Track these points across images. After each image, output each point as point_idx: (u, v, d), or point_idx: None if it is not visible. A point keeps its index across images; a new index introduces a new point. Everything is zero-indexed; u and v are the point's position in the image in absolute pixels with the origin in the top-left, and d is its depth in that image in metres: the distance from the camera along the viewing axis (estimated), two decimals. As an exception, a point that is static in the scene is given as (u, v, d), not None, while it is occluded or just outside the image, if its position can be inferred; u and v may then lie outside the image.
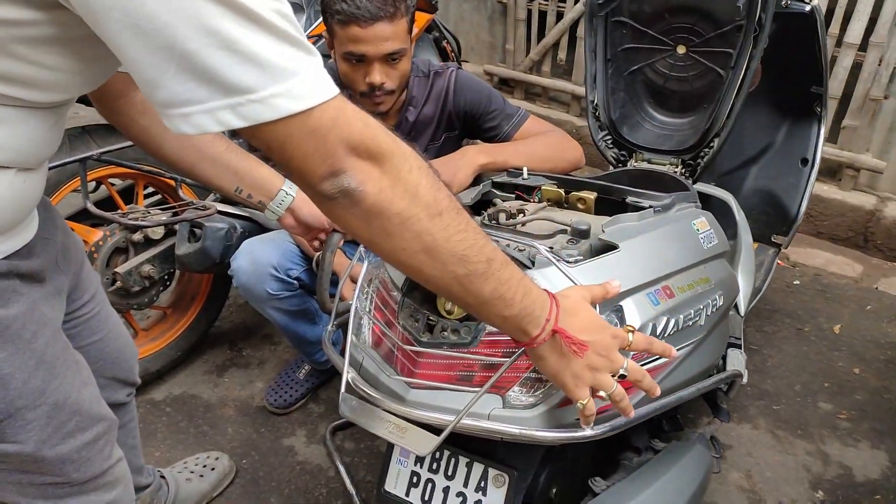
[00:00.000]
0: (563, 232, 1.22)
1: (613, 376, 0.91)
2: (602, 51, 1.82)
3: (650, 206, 1.31)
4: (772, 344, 2.32)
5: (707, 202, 1.94)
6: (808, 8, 1.79)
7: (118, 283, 1.83)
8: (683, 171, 1.79)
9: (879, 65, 2.80)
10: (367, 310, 1.20)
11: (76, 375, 0.94)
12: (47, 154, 0.84)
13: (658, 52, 1.82)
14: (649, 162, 1.84)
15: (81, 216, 1.88)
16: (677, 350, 1.17)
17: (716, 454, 1.49)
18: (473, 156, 1.52)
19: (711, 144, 1.70)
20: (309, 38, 2.08)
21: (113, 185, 2.01)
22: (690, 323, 1.19)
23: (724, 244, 1.44)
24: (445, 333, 1.07)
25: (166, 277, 1.93)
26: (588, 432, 1.01)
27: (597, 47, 1.82)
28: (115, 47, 0.62)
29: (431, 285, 0.80)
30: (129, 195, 2.10)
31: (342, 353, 1.15)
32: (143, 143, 1.15)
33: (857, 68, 2.87)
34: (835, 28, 2.88)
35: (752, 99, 2.03)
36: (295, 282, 1.68)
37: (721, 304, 1.29)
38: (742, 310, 1.75)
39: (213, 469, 1.76)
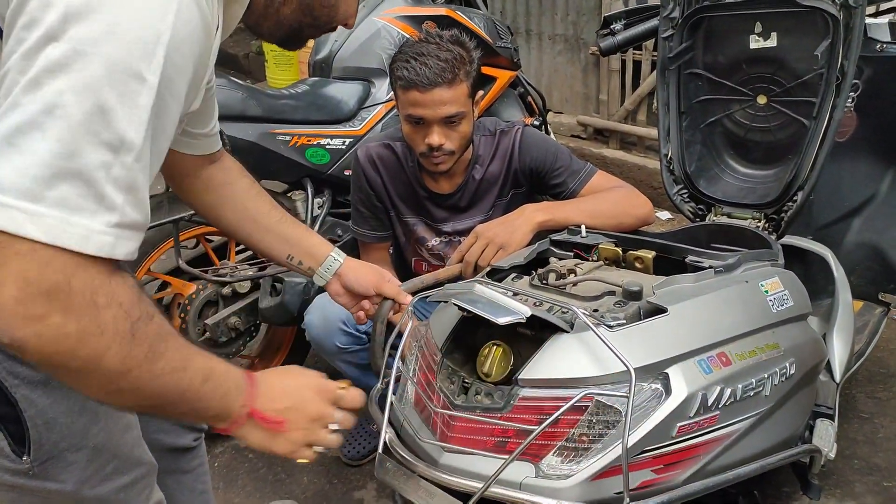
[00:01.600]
0: (612, 294, 1.18)
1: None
2: (675, 103, 1.78)
3: (710, 267, 1.24)
4: (885, 413, 2.09)
5: (804, 258, 1.82)
6: (905, 51, 1.67)
7: (207, 334, 1.96)
8: (767, 225, 1.69)
9: None
10: (413, 371, 1.21)
11: (118, 421, 0.99)
12: None
13: (737, 103, 1.75)
14: (729, 216, 1.75)
15: (178, 272, 2.04)
16: (736, 423, 1.10)
17: (801, 537, 1.35)
18: (531, 214, 1.52)
19: (795, 198, 1.59)
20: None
21: (209, 241, 2.17)
22: (752, 393, 1.11)
23: (802, 306, 1.34)
24: (479, 397, 1.06)
25: (252, 329, 2.05)
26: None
27: (669, 100, 1.78)
28: None
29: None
30: (224, 251, 2.26)
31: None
32: (206, 216, 1.25)
33: None
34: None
35: (850, 147, 1.90)
36: (364, 336, 1.72)
37: (793, 372, 1.19)
38: (837, 376, 1.60)
39: (285, 517, 1.80)
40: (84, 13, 0.63)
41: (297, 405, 0.89)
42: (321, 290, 1.91)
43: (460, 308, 1.09)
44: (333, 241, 2.14)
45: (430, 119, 1.51)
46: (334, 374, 2.41)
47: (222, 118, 1.90)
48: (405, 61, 1.49)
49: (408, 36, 2.20)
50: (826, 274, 1.74)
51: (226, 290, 1.99)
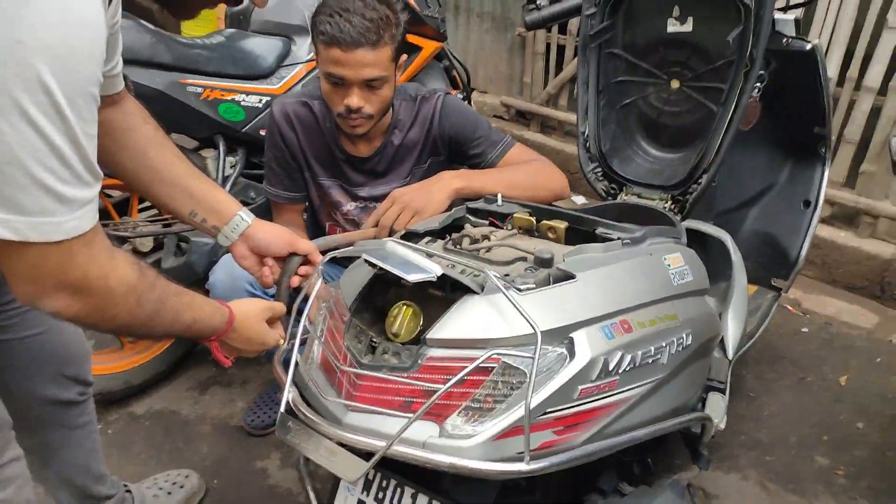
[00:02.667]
0: (524, 260, 1.19)
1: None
2: (594, 82, 1.81)
3: (618, 238, 1.27)
4: (771, 392, 2.23)
5: (703, 241, 1.90)
6: (808, 47, 1.76)
7: (104, 293, 1.85)
8: (673, 206, 1.75)
9: (899, 110, 2.73)
10: (320, 331, 1.18)
11: None
12: None
13: (651, 86, 1.80)
14: (639, 196, 1.80)
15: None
16: (634, 388, 1.13)
17: (689, 503, 1.42)
18: (448, 181, 1.51)
19: (700, 180, 1.66)
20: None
21: (109, 196, 2.04)
22: (650, 360, 1.14)
23: (701, 282, 1.40)
24: (386, 357, 1.04)
25: (153, 290, 1.94)
26: (524, 467, 0.96)
27: (589, 78, 1.81)
28: None
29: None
30: (125, 207, 2.14)
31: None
32: (104, 164, 1.16)
33: (875, 113, 2.80)
34: (853, 71, 2.82)
35: (753, 137, 1.99)
36: (271, 298, 1.67)
37: (689, 343, 1.24)
38: (730, 353, 1.68)
39: (181, 487, 1.74)
40: None
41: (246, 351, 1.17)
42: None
43: (371, 264, 1.06)
44: (246, 204, 2.08)
45: (351, 80, 1.47)
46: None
47: (127, 62, 1.77)
48: (329, 15, 1.42)
49: None
50: (724, 258, 1.82)
51: (125, 248, 1.88)
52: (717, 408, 1.51)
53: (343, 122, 1.55)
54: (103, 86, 1.08)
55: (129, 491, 1.63)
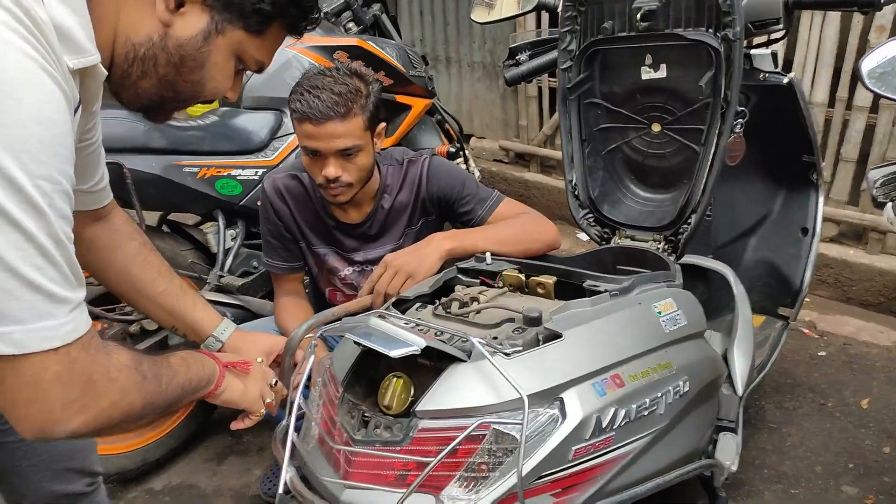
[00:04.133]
0: (512, 321, 1.20)
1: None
2: (577, 131, 1.84)
3: (606, 291, 1.28)
4: (792, 421, 2.19)
5: (706, 277, 1.90)
6: (785, 80, 1.78)
7: (114, 375, 1.88)
8: (666, 247, 1.75)
9: (893, 126, 2.73)
10: (316, 405, 1.19)
11: None
12: None
13: (633, 131, 1.82)
14: (632, 239, 1.81)
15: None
16: (632, 442, 1.13)
17: (706, 548, 1.40)
18: (439, 242, 1.53)
19: (689, 220, 1.66)
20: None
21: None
22: (646, 412, 1.14)
23: (696, 324, 1.40)
24: (379, 431, 1.06)
25: (163, 367, 1.97)
26: (526, 534, 0.96)
27: (572, 128, 1.84)
28: None
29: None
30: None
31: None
32: (92, 274, 1.21)
33: (870, 130, 2.80)
34: (843, 92, 2.83)
35: (744, 171, 2.00)
36: (275, 373, 1.69)
37: (687, 389, 1.24)
38: (739, 389, 1.67)
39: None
40: None
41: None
42: (234, 323, 1.90)
43: (355, 342, 1.08)
44: (248, 273, 2.12)
45: (325, 151, 1.52)
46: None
47: (124, 150, 1.87)
48: (300, 94, 1.49)
49: (319, 66, 2.21)
50: (727, 291, 1.82)
51: (133, 328, 1.92)
52: (728, 449, 1.49)
53: (325, 192, 1.59)
54: (90, 200, 1.13)
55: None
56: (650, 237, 1.79)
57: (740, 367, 1.69)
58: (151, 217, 2.13)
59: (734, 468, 1.49)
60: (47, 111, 0.72)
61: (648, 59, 1.68)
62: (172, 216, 2.27)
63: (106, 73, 0.87)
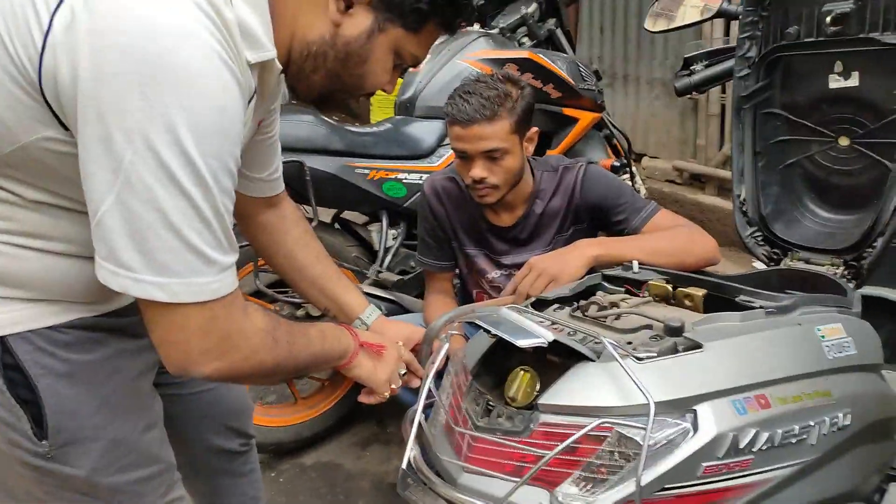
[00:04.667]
0: (649, 328, 1.15)
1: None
2: (750, 143, 1.72)
3: (761, 307, 1.19)
4: None
5: (892, 310, 1.69)
6: None
7: (281, 353, 2.07)
8: (846, 272, 1.58)
9: None
10: (447, 392, 1.23)
11: (140, 419, 1.08)
12: None
13: (817, 144, 1.67)
14: (807, 262, 1.66)
15: (257, 294, 2.17)
16: (774, 470, 1.03)
17: None
18: (585, 248, 1.51)
19: (875, 244, 1.49)
20: None
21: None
22: (794, 440, 1.04)
23: (869, 356, 1.25)
24: (501, 420, 1.06)
25: (324, 351, 2.14)
26: (639, 543, 0.92)
27: (744, 140, 1.73)
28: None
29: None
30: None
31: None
32: (259, 254, 1.39)
33: None
34: None
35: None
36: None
37: (846, 423, 1.11)
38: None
39: (339, 537, 1.85)
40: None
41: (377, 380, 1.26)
42: (387, 315, 2.01)
43: (483, 328, 1.10)
44: (405, 273, 2.23)
45: (472, 153, 1.57)
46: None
47: (307, 151, 2.06)
48: (453, 99, 1.58)
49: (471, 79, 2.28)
50: (926, 329, 1.60)
51: (300, 313, 2.10)
52: (899, 503, 1.31)
53: (473, 193, 1.64)
54: (266, 188, 1.28)
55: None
56: (828, 261, 1.62)
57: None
58: (326, 214, 2.32)
59: (909, 526, 1.30)
60: (223, 99, 0.83)
61: (838, 67, 1.54)
62: (344, 215, 2.45)
63: (281, 67, 0.98)
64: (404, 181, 2.21)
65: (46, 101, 0.83)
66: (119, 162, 0.79)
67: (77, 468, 1.01)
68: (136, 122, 0.78)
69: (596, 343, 1.08)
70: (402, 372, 1.30)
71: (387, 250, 2.20)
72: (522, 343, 1.00)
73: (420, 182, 2.24)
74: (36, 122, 0.85)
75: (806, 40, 1.59)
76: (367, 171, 2.16)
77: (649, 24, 2.05)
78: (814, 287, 1.50)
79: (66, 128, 0.85)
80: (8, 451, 0.99)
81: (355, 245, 2.25)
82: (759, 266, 3.41)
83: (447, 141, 2.30)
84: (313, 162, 2.05)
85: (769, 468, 1.02)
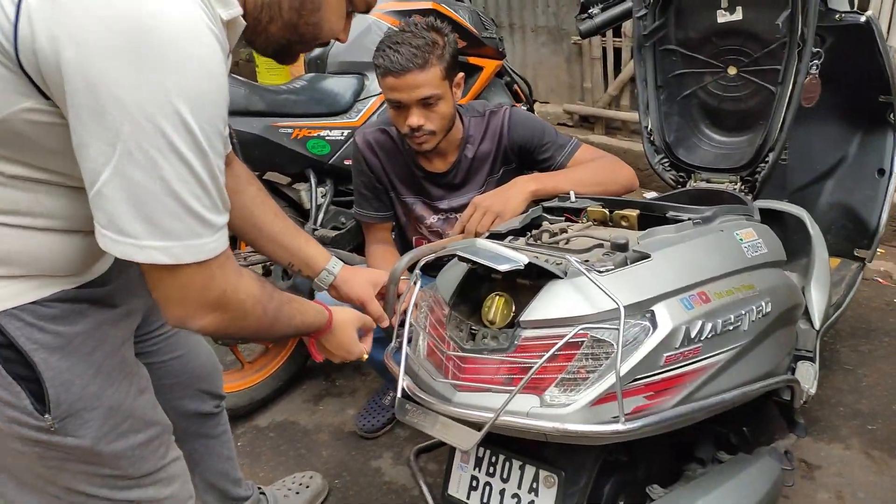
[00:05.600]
0: (601, 246, 1.29)
1: None
2: (653, 78, 1.90)
3: (689, 219, 1.36)
4: (867, 363, 2.22)
5: (781, 220, 1.94)
6: (863, 19, 1.80)
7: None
8: (743, 187, 1.81)
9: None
10: (423, 325, 1.32)
11: (132, 385, 1.10)
12: None
13: (709, 75, 1.87)
14: (708, 181, 1.87)
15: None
16: (718, 354, 1.21)
17: (788, 467, 1.47)
18: (524, 184, 1.63)
19: (766, 159, 1.72)
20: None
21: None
22: (731, 328, 1.22)
23: (776, 254, 1.46)
24: (486, 341, 1.17)
25: (265, 314, 2.15)
26: (620, 427, 1.07)
27: (647, 76, 1.90)
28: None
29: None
30: (235, 240, 2.37)
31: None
32: None
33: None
34: (922, 35, 2.78)
35: (819, 114, 2.02)
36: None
37: (769, 310, 1.31)
38: (816, 323, 1.72)
39: (307, 487, 1.92)
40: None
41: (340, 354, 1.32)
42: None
43: (464, 259, 1.20)
44: (337, 229, 2.27)
45: (408, 102, 1.63)
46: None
47: (229, 113, 2.02)
48: (382, 51, 1.61)
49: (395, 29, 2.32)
50: (803, 234, 1.86)
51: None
52: (806, 374, 1.57)
53: (410, 141, 1.71)
54: None
55: (262, 493, 1.81)
56: (727, 179, 1.85)
57: (817, 302, 1.74)
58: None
59: (812, 391, 1.56)
60: (211, 65, 0.84)
61: (724, 2, 1.73)
62: (267, 176, 2.44)
63: (244, 23, 1.00)
64: (327, 138, 2.23)
65: (24, 72, 0.82)
66: (116, 134, 0.80)
67: (81, 438, 1.02)
68: (129, 94, 0.79)
69: (558, 264, 1.21)
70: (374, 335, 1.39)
71: (318, 208, 2.23)
72: (503, 267, 1.10)
73: (342, 138, 2.27)
74: (15, 93, 0.83)
75: (694, -20, 1.76)
76: (290, 131, 2.16)
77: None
78: (718, 202, 1.71)
79: (46, 97, 0.84)
80: (7, 429, 0.98)
81: (284, 206, 2.25)
82: (651, 195, 3.72)
83: (364, 95, 2.34)
84: (237, 124, 2.02)
85: (715, 353, 1.20)
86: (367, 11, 1.14)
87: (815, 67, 1.73)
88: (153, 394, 1.19)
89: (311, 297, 1.94)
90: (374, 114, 2.33)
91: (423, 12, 2.44)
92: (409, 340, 1.32)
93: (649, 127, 1.92)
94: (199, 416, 1.52)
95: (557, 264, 1.20)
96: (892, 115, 1.98)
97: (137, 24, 0.79)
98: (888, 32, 2.83)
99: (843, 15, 1.81)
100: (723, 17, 1.77)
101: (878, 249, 2.14)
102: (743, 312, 1.26)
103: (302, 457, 2.10)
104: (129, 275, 1.13)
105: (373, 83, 2.37)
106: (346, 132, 2.27)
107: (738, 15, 1.74)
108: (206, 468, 1.62)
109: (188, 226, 0.87)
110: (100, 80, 0.78)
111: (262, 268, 2.09)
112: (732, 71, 1.82)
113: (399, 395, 1.21)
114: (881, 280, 2.71)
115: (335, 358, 1.32)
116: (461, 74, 1.73)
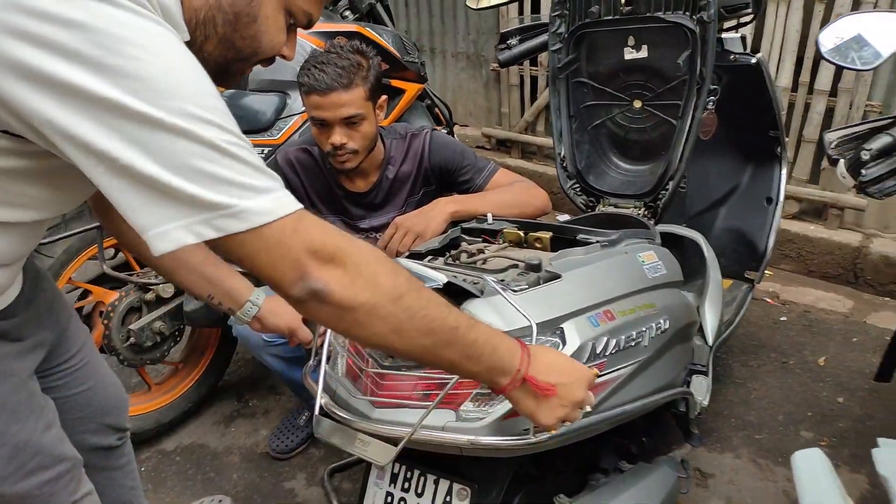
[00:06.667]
0: (516, 266, 1.36)
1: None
2: (566, 108, 2.01)
3: (597, 242, 1.45)
4: (756, 377, 2.39)
5: (680, 243, 2.08)
6: (753, 61, 1.96)
7: (132, 340, 1.99)
8: (646, 213, 1.93)
9: (850, 108, 2.95)
10: (342, 343, 1.34)
11: (39, 420, 1.05)
12: (24, 254, 0.98)
13: (617, 107, 2.00)
14: (615, 206, 1.99)
15: (101, 279, 2.06)
16: (621, 368, 1.30)
17: (683, 475, 1.57)
18: (444, 206, 1.69)
19: (667, 187, 1.84)
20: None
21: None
22: (633, 343, 1.31)
23: (674, 275, 1.57)
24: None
25: (176, 333, 2.10)
26: (531, 439, 1.12)
27: (561, 105, 2.00)
28: (100, 187, 0.74)
29: (404, 357, 0.98)
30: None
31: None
32: (130, 250, 1.29)
33: (830, 113, 3.02)
34: (805, 76, 3.05)
35: (715, 145, 2.19)
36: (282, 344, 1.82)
37: (667, 327, 1.41)
38: (709, 340, 1.85)
39: (218, 510, 1.87)
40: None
41: (567, 384, 1.03)
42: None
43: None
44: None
45: (331, 120, 1.66)
46: (260, 368, 2.47)
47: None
48: (307, 69, 1.64)
49: (320, 50, 2.34)
50: (699, 257, 2.00)
51: (149, 296, 2.03)
52: (700, 387, 1.68)
53: (333, 160, 1.74)
54: None
55: (170, 519, 1.76)
56: (632, 204, 1.96)
57: (710, 321, 1.88)
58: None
59: (705, 403, 1.67)
60: (192, 62, 0.79)
61: (631, 41, 1.86)
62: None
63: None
64: (246, 155, 2.21)
65: None
66: (151, 142, 0.73)
67: None
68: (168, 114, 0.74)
69: (475, 283, 1.26)
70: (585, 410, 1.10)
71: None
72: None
73: (262, 156, 2.25)
74: None
75: (605, 18, 1.89)
76: (209, 147, 2.12)
77: (471, 2, 2.25)
78: (624, 226, 1.83)
79: None
80: None
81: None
82: (563, 218, 3.86)
83: (286, 113, 2.34)
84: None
85: (618, 367, 1.28)
86: (308, 26, 1.04)
87: (711, 103, 1.88)
88: (60, 427, 1.14)
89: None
90: (295, 132, 2.33)
91: (348, 35, 2.47)
92: (329, 359, 1.33)
93: (562, 154, 2.02)
94: (102, 450, 1.45)
95: (475, 283, 1.26)
96: (779, 149, 2.16)
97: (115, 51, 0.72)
98: (777, 73, 3.09)
99: (737, 56, 1.98)
100: (630, 55, 1.89)
101: (766, 271, 2.32)
102: (644, 329, 1.35)
103: (211, 480, 2.05)
104: (37, 306, 1.08)
105: (295, 101, 2.37)
106: (266, 150, 2.26)
107: (643, 53, 1.87)
108: (109, 501, 1.55)
109: (260, 180, 0.78)
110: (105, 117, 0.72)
111: (173, 287, 2.03)
112: (637, 104, 1.95)
113: (317, 412, 1.22)
114: (769, 300, 2.93)
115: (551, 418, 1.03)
116: (384, 97, 1.78)
